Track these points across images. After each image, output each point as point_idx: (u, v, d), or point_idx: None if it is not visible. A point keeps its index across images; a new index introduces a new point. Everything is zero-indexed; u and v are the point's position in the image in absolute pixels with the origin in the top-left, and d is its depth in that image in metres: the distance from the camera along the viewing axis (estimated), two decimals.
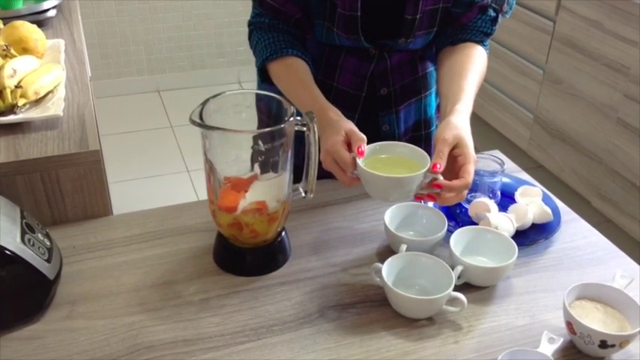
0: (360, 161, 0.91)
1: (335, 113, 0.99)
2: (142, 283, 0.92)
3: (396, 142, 0.98)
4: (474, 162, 0.91)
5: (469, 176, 0.89)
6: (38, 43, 1.34)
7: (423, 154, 0.93)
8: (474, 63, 1.06)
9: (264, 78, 1.11)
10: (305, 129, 0.90)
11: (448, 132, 0.91)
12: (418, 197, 0.93)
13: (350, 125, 0.96)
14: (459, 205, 1.09)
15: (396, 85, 1.15)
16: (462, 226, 0.98)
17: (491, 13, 1.10)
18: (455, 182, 0.89)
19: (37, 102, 1.15)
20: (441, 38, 1.12)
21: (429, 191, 0.91)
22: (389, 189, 0.91)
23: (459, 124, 0.93)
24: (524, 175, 1.19)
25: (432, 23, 1.08)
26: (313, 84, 1.05)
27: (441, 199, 0.91)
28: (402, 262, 0.91)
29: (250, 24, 1.13)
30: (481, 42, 1.10)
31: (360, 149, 0.91)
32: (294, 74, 1.06)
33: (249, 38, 1.14)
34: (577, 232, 1.05)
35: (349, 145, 0.93)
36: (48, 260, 0.86)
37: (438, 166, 0.89)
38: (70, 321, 0.85)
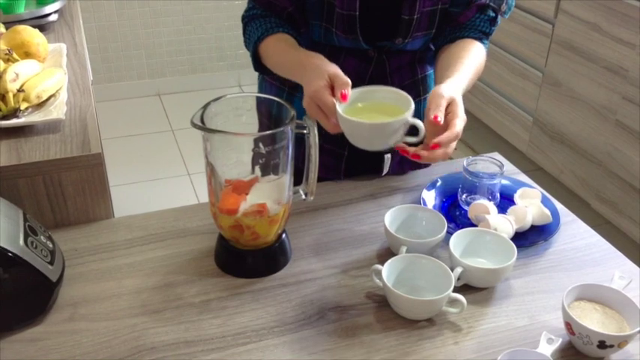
0: (340, 107, 0.88)
1: (319, 59, 0.97)
2: (143, 285, 0.93)
3: (379, 87, 0.95)
4: (463, 120, 0.91)
5: (455, 128, 0.89)
6: (40, 47, 1.35)
7: (407, 100, 0.91)
8: (470, 53, 1.06)
9: (258, 65, 1.11)
10: (305, 131, 0.91)
11: (443, 90, 0.91)
12: (402, 151, 0.91)
13: (334, 69, 0.93)
14: (459, 206, 1.10)
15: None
16: (462, 227, 0.99)
17: (490, 13, 1.10)
18: (445, 135, 0.88)
19: (40, 106, 1.16)
20: (439, 38, 1.13)
21: (414, 150, 0.90)
22: (370, 136, 0.89)
23: (451, 87, 0.94)
24: (524, 177, 1.20)
25: (430, 24, 1.09)
26: (300, 47, 1.03)
27: (427, 156, 0.90)
28: (402, 263, 0.91)
29: (244, 17, 1.13)
30: (479, 40, 1.11)
31: (342, 93, 0.89)
32: (283, 43, 1.05)
33: (244, 33, 1.14)
34: (576, 234, 1.06)
35: (334, 90, 0.91)
36: (50, 262, 0.87)
37: (439, 118, 0.88)
38: (73, 323, 0.86)
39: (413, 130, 0.90)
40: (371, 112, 0.91)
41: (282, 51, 1.05)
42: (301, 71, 0.96)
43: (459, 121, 0.90)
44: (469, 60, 1.04)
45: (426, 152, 0.89)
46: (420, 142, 0.90)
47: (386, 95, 0.94)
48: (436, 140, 0.88)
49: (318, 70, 0.93)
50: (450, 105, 0.91)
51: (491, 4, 1.09)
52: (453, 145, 0.90)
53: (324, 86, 0.90)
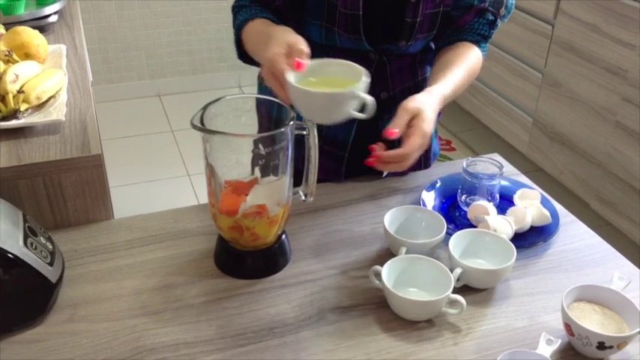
0: (291, 77, 0.86)
1: (285, 30, 0.95)
2: (143, 286, 0.93)
3: (333, 60, 0.94)
4: (423, 136, 0.92)
5: (409, 147, 0.91)
6: (40, 48, 1.35)
7: (359, 73, 0.89)
8: (463, 59, 1.07)
9: (242, 53, 1.10)
10: (305, 132, 0.91)
11: (410, 102, 0.93)
12: (371, 147, 0.93)
13: (294, 38, 0.91)
14: (458, 207, 1.10)
15: (396, 90, 1.16)
16: (461, 228, 0.99)
17: (490, 16, 1.11)
18: (392, 152, 0.91)
19: (39, 107, 1.16)
20: (439, 40, 1.13)
21: (369, 159, 0.93)
22: (315, 106, 0.88)
23: (424, 99, 0.95)
24: (523, 178, 1.20)
25: (432, 26, 1.10)
26: (276, 24, 1.02)
27: (380, 165, 0.92)
28: (402, 264, 0.91)
29: (233, 8, 1.13)
30: (477, 43, 1.11)
31: (296, 62, 0.86)
32: (259, 25, 1.04)
33: (233, 24, 1.14)
34: (576, 235, 1.06)
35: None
36: (50, 264, 0.87)
37: (395, 131, 0.90)
38: (72, 324, 0.86)
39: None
40: (323, 85, 0.90)
41: (258, 31, 1.04)
42: (266, 44, 0.93)
43: (415, 139, 0.91)
44: (461, 66, 1.06)
45: (380, 163, 0.93)
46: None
47: (339, 69, 0.93)
48: (379, 153, 0.91)
49: (279, 40, 0.91)
50: (414, 118, 0.92)
51: (491, 8, 1.10)
52: (407, 162, 0.93)
53: (280, 54, 0.88)
